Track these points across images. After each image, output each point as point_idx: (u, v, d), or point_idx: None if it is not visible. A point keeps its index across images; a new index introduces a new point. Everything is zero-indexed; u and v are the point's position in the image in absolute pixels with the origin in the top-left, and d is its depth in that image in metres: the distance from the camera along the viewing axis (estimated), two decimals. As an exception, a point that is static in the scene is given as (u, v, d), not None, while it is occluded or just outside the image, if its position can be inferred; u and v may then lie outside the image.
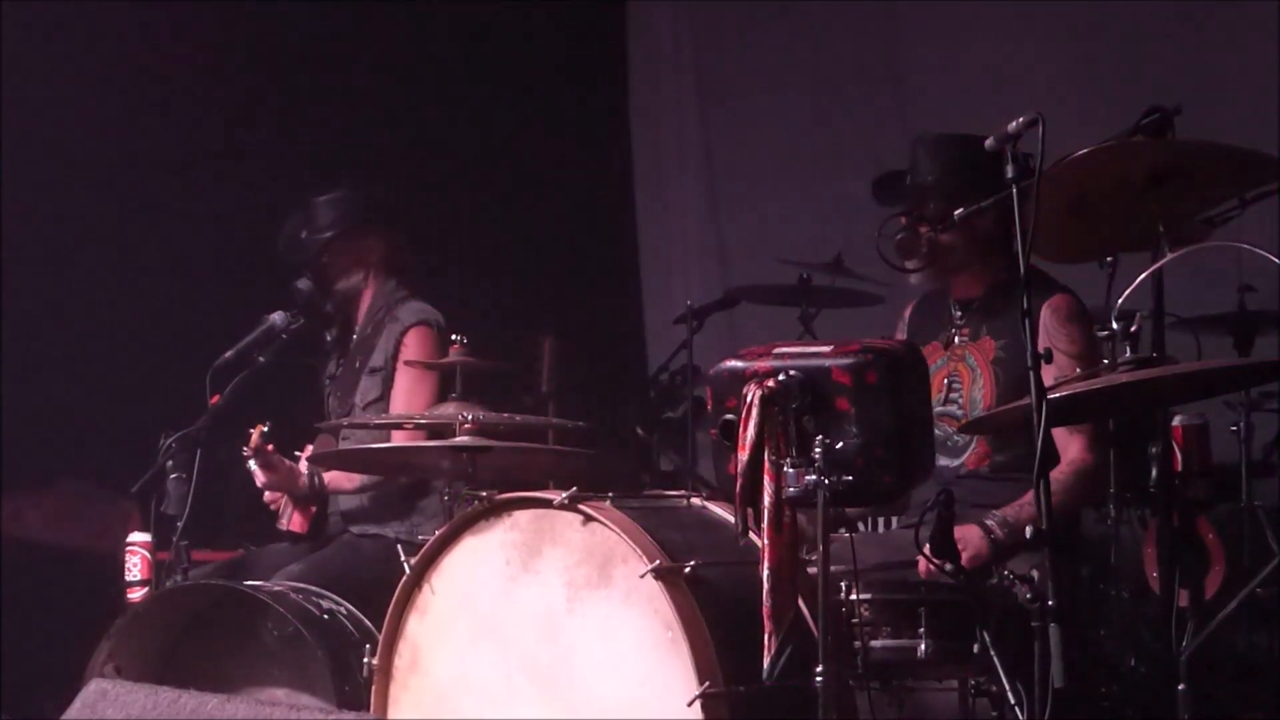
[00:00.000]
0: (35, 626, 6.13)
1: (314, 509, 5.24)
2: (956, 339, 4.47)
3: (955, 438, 4.37)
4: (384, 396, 5.17)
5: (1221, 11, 6.81)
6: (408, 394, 5.11)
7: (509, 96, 7.48)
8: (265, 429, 4.99)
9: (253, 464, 5.04)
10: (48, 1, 6.56)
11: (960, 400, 4.40)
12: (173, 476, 4.90)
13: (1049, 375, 4.13)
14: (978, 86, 7.06)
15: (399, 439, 5.00)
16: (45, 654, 5.87)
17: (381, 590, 4.29)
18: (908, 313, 4.68)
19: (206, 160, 6.86)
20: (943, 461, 4.37)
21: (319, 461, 5.13)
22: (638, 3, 8.20)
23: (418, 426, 4.84)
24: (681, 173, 8.10)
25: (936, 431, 4.28)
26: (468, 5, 7.43)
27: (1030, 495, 4.11)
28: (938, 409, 4.38)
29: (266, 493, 5.26)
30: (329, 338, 5.37)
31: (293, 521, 5.25)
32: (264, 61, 7.05)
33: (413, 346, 5.16)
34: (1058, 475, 4.19)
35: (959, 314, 4.49)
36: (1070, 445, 4.27)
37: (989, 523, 4.08)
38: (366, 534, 5.12)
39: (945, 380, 4.42)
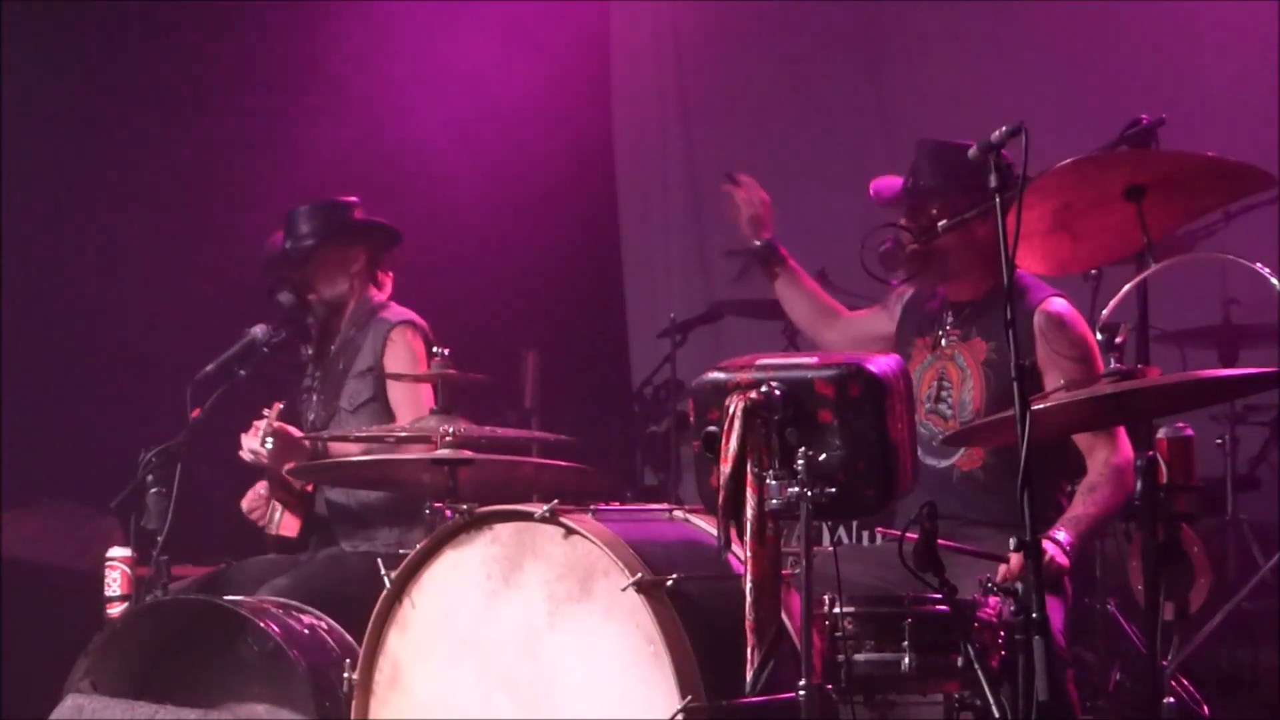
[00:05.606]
0: (14, 644, 6.08)
1: (304, 512, 5.20)
2: (944, 340, 4.43)
3: (940, 438, 4.33)
4: (376, 398, 5.13)
5: (1207, 23, 6.82)
6: (410, 403, 5.05)
7: (492, 109, 7.46)
8: (281, 406, 4.96)
9: (267, 444, 4.97)
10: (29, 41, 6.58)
11: (950, 400, 4.37)
12: (153, 491, 4.85)
13: (1051, 385, 4.11)
14: (961, 101, 7.05)
15: (380, 450, 4.96)
16: (24, 671, 5.83)
17: (364, 605, 4.25)
18: (906, 299, 4.59)
19: (185, 174, 6.85)
20: (929, 461, 4.32)
21: (299, 474, 5.09)
22: (621, 17, 8.18)
23: (399, 441, 4.80)
24: (665, 187, 8.08)
25: (922, 430, 4.25)
26: (450, 20, 7.43)
27: (1077, 503, 4.12)
28: (926, 408, 4.36)
29: (244, 503, 5.23)
30: (308, 352, 5.33)
31: (283, 525, 5.19)
32: (241, 81, 7.05)
33: (400, 343, 5.12)
34: (1097, 481, 4.17)
35: (950, 316, 4.45)
36: (1097, 447, 4.21)
37: (1058, 536, 4.04)
38: (356, 550, 5.08)
39: (935, 380, 4.39)
